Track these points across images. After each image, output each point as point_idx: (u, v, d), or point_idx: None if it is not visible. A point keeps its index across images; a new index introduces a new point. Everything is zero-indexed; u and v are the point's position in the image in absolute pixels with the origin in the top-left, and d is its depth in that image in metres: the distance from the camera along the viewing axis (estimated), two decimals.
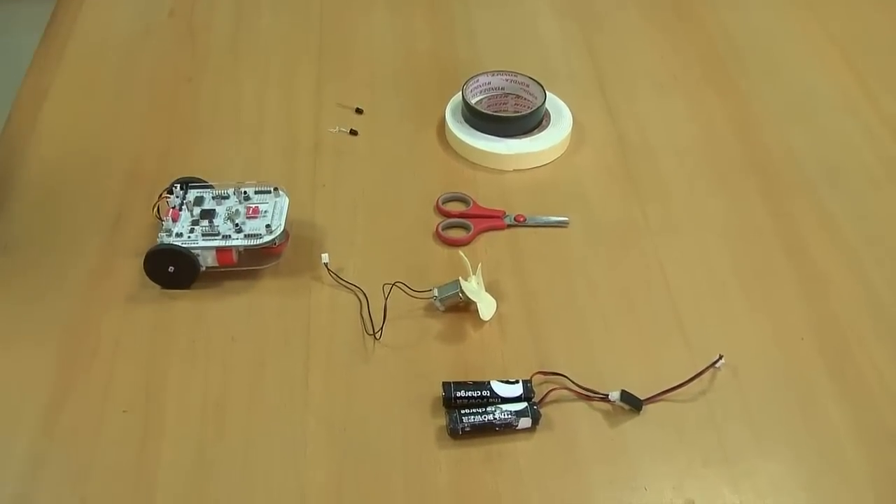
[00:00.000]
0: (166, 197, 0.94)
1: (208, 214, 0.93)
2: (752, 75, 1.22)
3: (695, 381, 0.84)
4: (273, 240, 0.91)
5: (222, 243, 0.90)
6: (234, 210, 0.93)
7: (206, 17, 1.29)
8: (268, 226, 0.91)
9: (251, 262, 0.92)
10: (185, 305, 0.90)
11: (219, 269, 0.91)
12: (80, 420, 0.80)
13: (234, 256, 0.91)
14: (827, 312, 0.92)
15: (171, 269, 0.90)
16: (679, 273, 0.95)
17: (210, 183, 0.96)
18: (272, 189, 0.95)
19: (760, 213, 1.02)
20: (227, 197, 0.95)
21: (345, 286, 0.92)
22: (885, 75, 1.22)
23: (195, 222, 0.92)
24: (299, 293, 0.92)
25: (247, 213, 0.93)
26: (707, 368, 0.85)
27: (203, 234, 0.91)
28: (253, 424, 0.81)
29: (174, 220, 0.92)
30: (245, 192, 0.95)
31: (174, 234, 0.91)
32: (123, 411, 0.81)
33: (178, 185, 0.95)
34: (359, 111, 1.13)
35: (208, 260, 0.90)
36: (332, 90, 1.16)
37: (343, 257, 0.95)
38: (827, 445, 0.81)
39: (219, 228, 0.91)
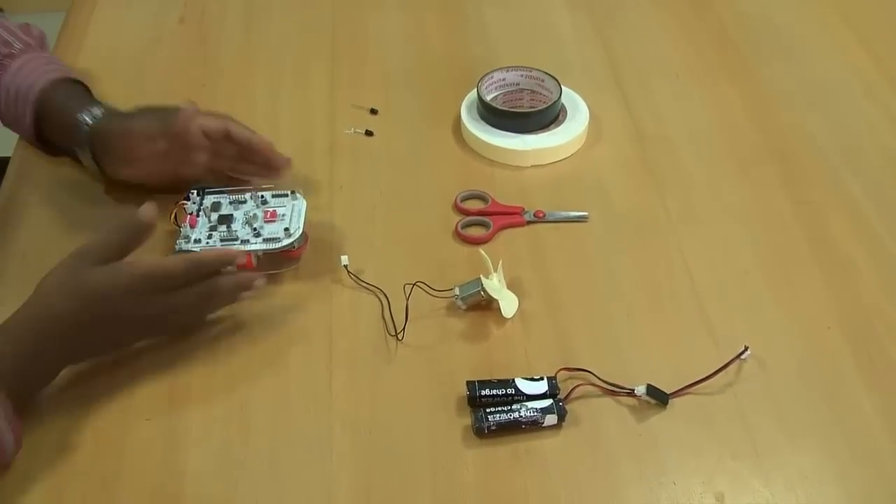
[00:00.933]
0: (183, 203, 0.94)
1: (226, 219, 0.92)
2: (767, 61, 1.21)
3: (721, 374, 0.83)
4: (292, 243, 0.91)
5: (241, 248, 0.90)
6: (251, 214, 0.93)
7: (217, 23, 1.29)
8: (286, 229, 0.91)
9: (270, 266, 0.92)
10: None
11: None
12: (103, 429, 0.80)
13: (254, 261, 0.91)
14: (853, 300, 0.91)
15: None
16: (702, 264, 0.94)
17: (227, 188, 0.96)
18: (289, 192, 0.95)
19: (782, 201, 1.01)
20: (245, 202, 0.94)
21: (365, 288, 0.92)
22: None
23: (213, 228, 0.92)
24: (320, 296, 0.91)
25: (264, 217, 0.92)
26: (733, 360, 0.84)
27: (221, 240, 0.91)
28: (278, 429, 0.81)
29: (192, 227, 0.92)
30: (262, 196, 0.95)
31: (192, 241, 0.91)
32: (147, 419, 0.81)
33: (195, 191, 0.95)
34: (374, 112, 1.13)
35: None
36: (346, 91, 1.16)
37: (363, 259, 0.94)
38: (857, 436, 0.80)
39: (237, 233, 0.91)
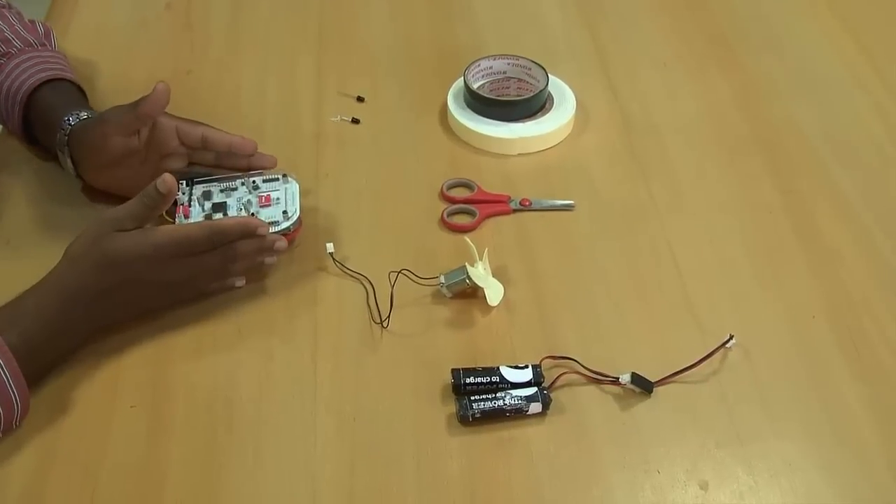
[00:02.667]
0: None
1: (220, 207, 0.92)
2: (756, 51, 1.21)
3: (706, 362, 0.83)
4: (290, 225, 0.90)
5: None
6: (245, 200, 0.92)
7: (204, 9, 1.28)
8: (284, 212, 0.91)
9: None
10: None
11: None
12: (88, 416, 0.80)
13: None
14: (838, 289, 0.91)
15: None
16: (688, 253, 0.94)
17: (215, 176, 0.96)
18: (280, 176, 0.95)
19: (769, 191, 1.01)
20: (236, 188, 0.94)
21: (351, 275, 0.91)
22: (892, 48, 1.21)
23: (207, 216, 0.91)
24: (305, 283, 0.91)
25: (259, 202, 0.92)
26: (718, 349, 0.84)
27: None
28: (262, 416, 0.80)
29: (186, 217, 0.91)
30: (254, 182, 0.94)
31: None
32: (131, 406, 0.81)
33: (184, 182, 0.94)
34: (360, 99, 1.12)
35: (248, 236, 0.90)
36: (333, 79, 1.16)
37: (348, 246, 0.94)
38: (841, 424, 0.80)
39: None
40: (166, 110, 0.92)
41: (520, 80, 1.12)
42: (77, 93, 1.02)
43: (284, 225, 0.90)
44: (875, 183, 1.02)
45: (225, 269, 0.88)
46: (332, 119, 1.10)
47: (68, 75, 1.02)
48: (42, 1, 1.31)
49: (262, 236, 0.87)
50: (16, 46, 1.01)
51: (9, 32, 1.02)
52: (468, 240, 0.90)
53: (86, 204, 0.99)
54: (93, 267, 0.81)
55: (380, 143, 1.07)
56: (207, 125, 0.95)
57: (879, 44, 1.21)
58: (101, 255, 0.81)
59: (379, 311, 0.88)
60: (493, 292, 0.88)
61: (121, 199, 0.86)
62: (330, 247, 0.92)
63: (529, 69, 1.11)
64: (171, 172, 0.84)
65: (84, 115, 0.95)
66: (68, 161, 0.96)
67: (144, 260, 0.82)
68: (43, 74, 0.99)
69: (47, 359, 0.81)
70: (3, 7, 1.05)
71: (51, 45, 1.07)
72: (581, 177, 1.03)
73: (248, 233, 0.86)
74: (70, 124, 0.94)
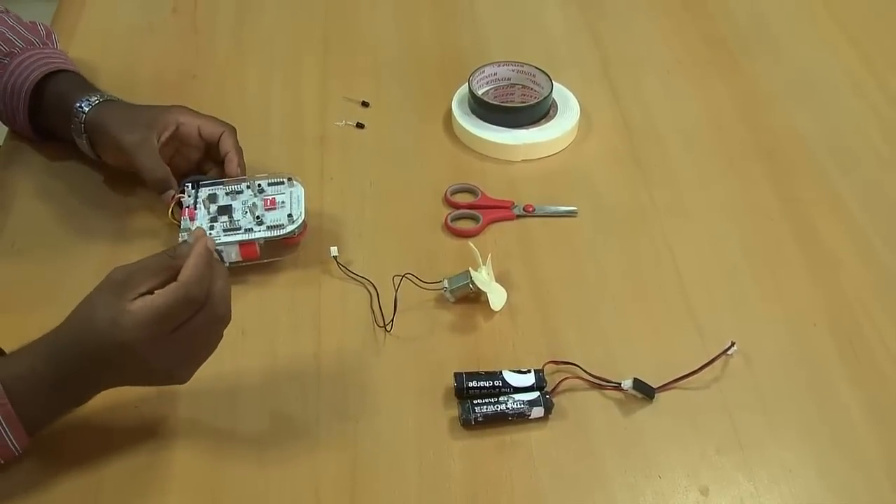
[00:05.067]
0: (179, 197, 0.94)
1: (226, 210, 0.92)
2: (756, 58, 1.21)
3: (707, 369, 0.84)
4: (296, 228, 0.91)
5: (245, 237, 0.90)
6: (251, 203, 0.92)
7: (210, 13, 1.29)
8: (289, 215, 0.91)
9: (270, 255, 0.92)
10: None
11: (240, 264, 0.91)
12: (91, 417, 0.80)
13: (258, 249, 0.91)
14: (839, 297, 0.91)
15: None
16: (689, 259, 0.95)
17: (220, 180, 0.96)
18: (286, 179, 0.95)
19: (769, 197, 1.02)
20: (241, 191, 0.94)
21: (354, 279, 0.92)
22: (892, 55, 1.21)
23: (213, 219, 0.92)
24: (309, 287, 0.92)
25: (264, 205, 0.93)
26: (719, 355, 0.85)
27: (224, 230, 0.91)
28: (265, 417, 0.81)
29: (192, 219, 0.91)
30: (259, 185, 0.95)
31: None
32: (135, 407, 0.81)
33: (190, 185, 0.95)
34: (365, 104, 1.13)
35: (232, 255, 0.90)
36: (338, 83, 1.16)
37: (352, 250, 0.95)
38: (841, 431, 0.80)
39: (239, 223, 0.91)
40: (189, 106, 0.97)
41: (524, 86, 1.13)
42: (81, 79, 1.03)
43: (289, 228, 0.91)
44: (875, 190, 1.03)
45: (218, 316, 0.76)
46: (337, 123, 1.10)
47: (71, 68, 1.04)
48: (48, 4, 1.32)
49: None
50: (18, 46, 1.02)
51: (10, 34, 1.03)
52: (472, 245, 0.90)
53: (91, 207, 0.99)
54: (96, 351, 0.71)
55: (384, 148, 1.08)
56: (228, 130, 0.97)
57: (879, 51, 1.22)
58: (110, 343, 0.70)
59: (382, 315, 0.88)
60: (497, 297, 0.88)
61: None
62: (334, 250, 0.93)
63: (534, 76, 1.11)
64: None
65: (95, 98, 0.97)
66: (86, 144, 0.98)
67: (140, 347, 0.70)
68: (46, 68, 1.00)
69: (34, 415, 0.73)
70: (2, 11, 1.06)
71: (52, 46, 1.07)
72: (584, 183, 1.04)
73: (208, 255, 0.73)
74: (84, 110, 0.96)
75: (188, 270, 0.71)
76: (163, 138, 0.94)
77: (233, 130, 0.97)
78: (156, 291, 0.71)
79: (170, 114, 0.96)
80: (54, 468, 0.77)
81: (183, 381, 0.76)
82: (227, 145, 0.96)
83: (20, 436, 0.73)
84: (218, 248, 0.89)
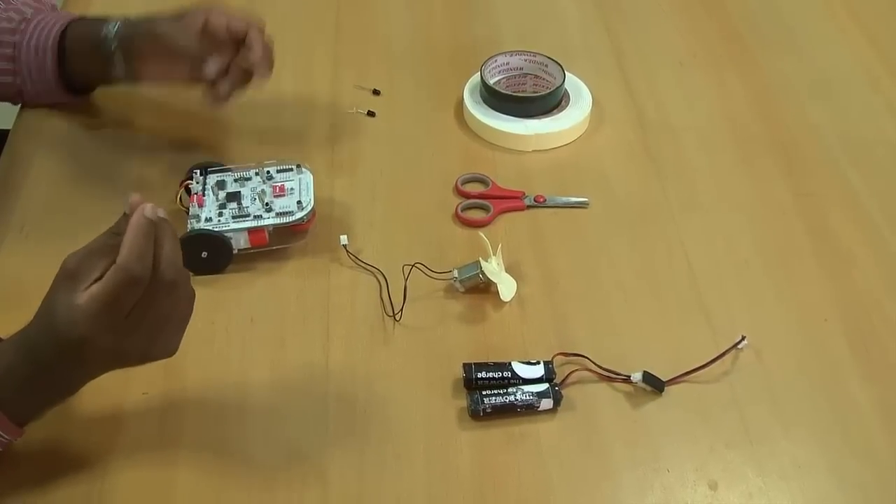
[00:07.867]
0: (188, 183, 0.94)
1: (234, 197, 0.92)
2: (772, 52, 1.20)
3: (717, 362, 0.83)
4: (305, 215, 0.90)
5: (254, 224, 0.90)
6: (260, 190, 0.92)
7: (221, 1, 1.28)
8: (299, 202, 0.91)
9: (278, 242, 0.92)
10: (203, 288, 0.89)
11: (249, 251, 0.91)
12: (99, 403, 0.80)
13: (267, 236, 0.90)
14: (851, 292, 0.91)
15: (205, 254, 0.89)
16: (701, 253, 0.94)
17: (229, 166, 0.96)
18: (295, 166, 0.95)
19: (783, 192, 1.01)
20: (250, 178, 0.94)
21: (364, 268, 0.92)
22: None
23: (222, 206, 0.91)
24: (318, 275, 0.91)
25: (273, 192, 0.92)
26: (730, 349, 0.84)
27: (233, 217, 0.90)
28: (273, 406, 0.81)
29: (200, 206, 0.91)
30: (268, 172, 0.94)
31: (203, 220, 0.90)
32: (143, 393, 0.81)
33: (198, 171, 0.94)
34: (376, 93, 1.12)
35: (241, 242, 0.90)
36: (349, 71, 1.16)
37: (362, 239, 0.94)
38: (851, 426, 0.80)
39: (248, 209, 0.91)
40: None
41: (536, 76, 1.12)
42: (102, 19, 1.02)
43: (298, 215, 0.90)
44: (889, 186, 1.02)
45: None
46: (348, 111, 1.10)
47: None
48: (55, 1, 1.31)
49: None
50: (29, 13, 1.02)
51: (19, 3, 1.03)
52: (482, 235, 0.90)
53: (101, 193, 0.99)
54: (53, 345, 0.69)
55: (395, 137, 1.07)
56: (255, 24, 0.96)
57: (895, 46, 1.21)
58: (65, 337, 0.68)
59: (392, 304, 0.88)
60: (506, 288, 0.88)
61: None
62: (344, 239, 0.92)
63: (546, 66, 1.11)
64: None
65: (119, 21, 0.98)
66: (120, 59, 0.97)
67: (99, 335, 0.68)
68: (66, 19, 1.01)
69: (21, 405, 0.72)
70: None
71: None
72: (596, 174, 1.03)
73: (149, 229, 0.67)
74: (111, 31, 0.97)
75: (125, 250, 0.66)
76: (194, 30, 0.94)
77: (261, 26, 0.96)
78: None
79: (198, 9, 0.96)
80: (61, 457, 0.77)
81: (168, 355, 0.73)
82: (252, 37, 0.95)
83: (8, 427, 0.71)
84: (227, 234, 0.88)
